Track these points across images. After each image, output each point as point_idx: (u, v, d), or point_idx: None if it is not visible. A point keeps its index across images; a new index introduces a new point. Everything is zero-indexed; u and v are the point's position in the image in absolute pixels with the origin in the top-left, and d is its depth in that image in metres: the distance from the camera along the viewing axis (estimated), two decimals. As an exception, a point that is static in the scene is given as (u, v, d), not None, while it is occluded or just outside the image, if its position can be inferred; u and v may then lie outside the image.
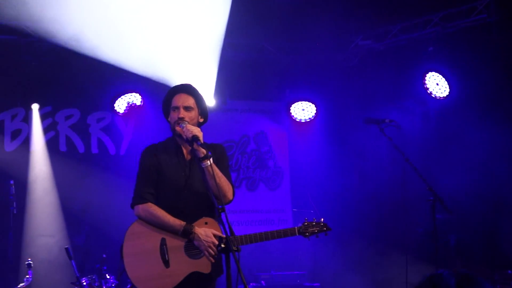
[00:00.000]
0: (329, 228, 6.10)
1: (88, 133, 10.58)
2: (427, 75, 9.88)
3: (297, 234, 6.05)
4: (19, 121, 10.30)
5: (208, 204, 5.82)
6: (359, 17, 10.36)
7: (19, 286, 8.34)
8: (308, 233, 6.05)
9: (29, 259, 8.31)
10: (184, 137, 5.66)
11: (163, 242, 5.85)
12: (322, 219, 6.14)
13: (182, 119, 5.75)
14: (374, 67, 10.97)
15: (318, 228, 6.05)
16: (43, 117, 10.39)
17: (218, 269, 5.89)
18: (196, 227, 5.79)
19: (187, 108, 5.84)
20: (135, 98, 10.38)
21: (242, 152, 11.49)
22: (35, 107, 10.23)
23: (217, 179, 5.68)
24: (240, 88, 11.00)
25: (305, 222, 6.12)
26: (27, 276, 8.33)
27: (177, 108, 5.86)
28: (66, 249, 8.28)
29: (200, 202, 5.91)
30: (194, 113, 5.89)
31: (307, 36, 11.03)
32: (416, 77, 10.13)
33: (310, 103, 11.23)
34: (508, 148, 9.42)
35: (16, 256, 8.56)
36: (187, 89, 6.04)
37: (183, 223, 5.78)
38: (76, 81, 10.31)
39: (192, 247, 5.80)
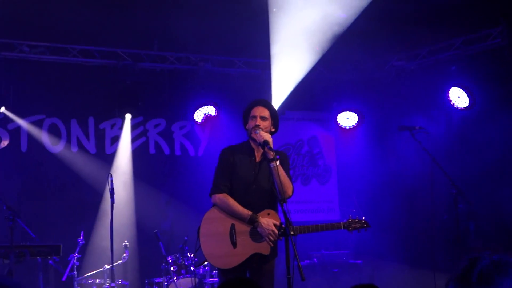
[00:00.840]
0: (369, 225, 6.75)
1: (172, 138, 11.25)
2: (450, 89, 10.18)
3: (342, 228, 6.75)
4: (117, 129, 10.89)
5: (270, 199, 6.61)
6: (394, 42, 10.78)
7: (118, 262, 9.05)
8: (351, 228, 6.71)
9: (126, 241, 9.26)
10: (258, 141, 6.35)
11: (232, 227, 6.51)
12: (364, 218, 6.76)
13: (258, 126, 6.41)
14: (406, 83, 11.34)
15: (359, 225, 6.71)
16: (136, 125, 11.03)
17: (275, 252, 6.56)
18: (260, 217, 6.41)
19: (263, 118, 6.50)
20: (210, 110, 10.94)
21: (297, 153, 12.00)
22: (128, 117, 10.70)
23: (282, 178, 6.30)
24: (296, 101, 11.27)
25: (349, 219, 6.73)
26: (124, 255, 9.18)
27: (255, 117, 6.52)
28: (155, 233, 9.20)
29: (264, 197, 6.60)
30: (268, 123, 6.55)
31: (351, 58, 11.44)
32: (441, 91, 10.39)
33: (353, 113, 11.73)
34: (503, 140, 9.64)
35: (115, 238, 8.65)
36: (265, 103, 6.76)
37: (250, 212, 6.43)
38: (162, 96, 11.10)
39: (256, 233, 6.43)
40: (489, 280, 2.09)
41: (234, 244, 6.48)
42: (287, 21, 10.04)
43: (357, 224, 6.68)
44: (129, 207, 10.30)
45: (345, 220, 6.73)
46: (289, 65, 10.90)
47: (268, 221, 6.38)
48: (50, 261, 8.58)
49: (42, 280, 8.68)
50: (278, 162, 6.32)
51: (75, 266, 8.97)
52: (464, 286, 2.15)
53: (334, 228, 6.78)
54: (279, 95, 11.07)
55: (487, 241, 9.53)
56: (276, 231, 6.35)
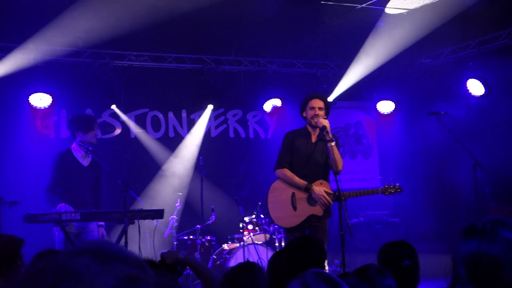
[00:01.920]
0: (401, 190, 7.22)
1: (247, 125, 11.76)
2: (468, 81, 10.63)
3: (380, 193, 7.27)
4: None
5: (323, 172, 7.15)
6: (421, 44, 10.97)
7: (207, 223, 9.41)
8: (387, 192, 7.21)
9: (212, 206, 9.56)
10: (319, 125, 6.91)
11: (293, 195, 7.05)
12: (398, 184, 7.22)
13: (317, 115, 6.96)
14: (432, 76, 11.79)
15: (394, 190, 7.20)
16: (219, 115, 11.58)
17: (328, 213, 7.09)
18: (314, 186, 6.95)
19: (320, 108, 7.04)
20: (277, 102, 11.52)
21: (346, 134, 12.39)
22: (210, 107, 11.20)
23: (336, 155, 6.89)
24: (344, 93, 11.71)
25: (386, 185, 7.23)
26: (211, 217, 9.47)
27: (314, 108, 7.03)
28: (235, 199, 9.47)
29: (318, 170, 7.14)
30: (323, 112, 7.07)
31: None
32: (461, 83, 10.82)
33: (390, 101, 12.31)
34: None
35: (204, 204, 9.31)
36: (320, 96, 7.30)
37: (305, 182, 6.96)
38: (239, 91, 11.52)
39: (311, 199, 6.97)
40: (492, 229, 2.31)
41: (294, 208, 7.05)
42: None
43: (392, 189, 7.19)
44: (214, 180, 10.49)
45: (382, 187, 7.28)
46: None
47: (320, 189, 6.91)
48: (155, 223, 8.98)
49: (149, 237, 9.02)
50: (334, 143, 6.87)
51: (174, 226, 9.60)
52: (472, 232, 2.36)
53: (373, 193, 7.42)
54: (335, 90, 11.63)
55: (500, 203, 9.75)
56: (327, 196, 6.86)
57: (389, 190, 7.21)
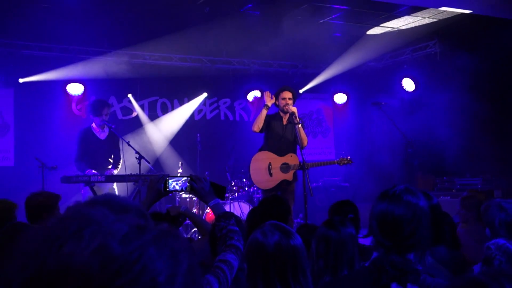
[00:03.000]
0: (351, 161, 7.33)
1: (234, 111, 11.75)
2: (403, 79, 10.77)
3: (335, 164, 7.37)
4: (201, 105, 11.31)
5: (292, 146, 7.16)
6: (368, 50, 10.92)
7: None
8: (341, 163, 7.32)
9: (207, 172, 9.22)
10: (289, 111, 6.96)
11: (269, 165, 7.12)
12: (349, 157, 7.34)
13: (287, 104, 7.07)
14: (376, 76, 11.84)
15: (346, 161, 7.30)
16: (212, 102, 11.50)
17: (295, 178, 7.17)
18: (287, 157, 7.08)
19: (290, 98, 7.11)
20: (258, 93, 11.39)
21: (309, 119, 12.36)
22: (204, 95, 11.07)
23: (302, 135, 6.93)
24: (308, 88, 11.82)
25: (340, 158, 7.35)
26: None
27: (285, 98, 7.10)
28: (224, 167, 9.25)
29: (289, 145, 7.16)
30: (291, 101, 7.14)
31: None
32: (397, 81, 10.93)
33: (344, 94, 12.28)
34: (443, 109, 9.63)
35: (200, 170, 9.10)
36: (290, 89, 7.31)
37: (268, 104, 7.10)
38: (229, 84, 11.46)
39: (284, 168, 7.06)
40: (399, 194, 2.33)
41: (270, 175, 7.11)
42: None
43: (344, 161, 7.30)
44: (208, 152, 10.14)
45: (337, 159, 7.39)
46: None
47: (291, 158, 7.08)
48: (162, 184, 8.96)
49: None
50: (301, 125, 6.94)
51: None
52: (383, 196, 2.38)
53: (330, 164, 7.50)
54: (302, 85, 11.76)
55: (424, 172, 9.90)
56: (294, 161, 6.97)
57: (343, 161, 7.27)
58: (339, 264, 2.87)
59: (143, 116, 10.82)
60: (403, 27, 10.16)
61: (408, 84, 10.80)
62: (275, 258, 2.23)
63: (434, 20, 9.56)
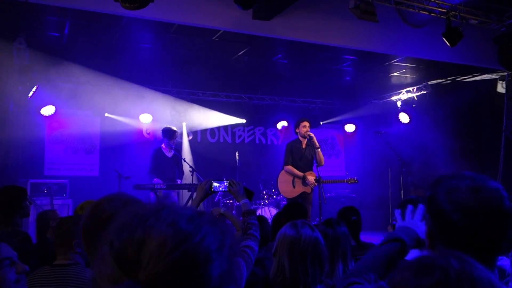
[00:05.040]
0: (357, 181, 7.07)
1: (267, 136, 11.59)
2: (399, 113, 10.53)
3: (345, 182, 7.07)
4: (241, 132, 11.22)
5: (310, 165, 7.02)
6: (373, 91, 11.04)
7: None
8: (349, 182, 7.02)
9: (244, 183, 9.61)
10: (308, 137, 6.85)
11: (293, 179, 7.01)
12: (356, 177, 7.10)
13: (307, 131, 6.96)
14: (378, 110, 11.46)
15: (353, 181, 7.02)
16: (250, 130, 11.35)
17: (312, 191, 6.94)
18: (306, 175, 6.91)
19: (308, 126, 7.02)
20: (285, 123, 11.21)
21: (325, 143, 12.16)
22: (243, 121, 10.96)
23: (321, 156, 6.83)
24: (325, 118, 11.78)
25: (349, 178, 7.08)
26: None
27: (305, 126, 6.99)
28: (257, 179, 9.22)
29: (308, 165, 7.03)
30: (309, 129, 7.00)
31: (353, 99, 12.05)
32: (395, 114, 10.71)
33: (353, 124, 12.04)
34: (431, 137, 9.23)
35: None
36: (308, 120, 7.12)
37: (302, 174, 6.91)
38: (262, 116, 11.15)
39: (304, 182, 6.91)
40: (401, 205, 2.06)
41: (293, 186, 6.99)
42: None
43: (352, 180, 7.01)
44: (245, 168, 9.94)
45: (346, 178, 7.10)
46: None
47: (311, 178, 6.85)
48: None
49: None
50: (319, 149, 6.84)
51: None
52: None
53: (341, 182, 7.18)
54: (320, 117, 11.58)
55: (416, 187, 9.40)
56: (314, 181, 6.79)
57: (351, 181, 7.06)
58: (335, 256, 2.89)
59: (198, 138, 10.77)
60: (398, 74, 10.06)
61: (404, 117, 10.59)
62: (300, 244, 2.26)
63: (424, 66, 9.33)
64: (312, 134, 6.86)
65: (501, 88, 7.93)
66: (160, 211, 0.83)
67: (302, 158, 7.06)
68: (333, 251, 2.90)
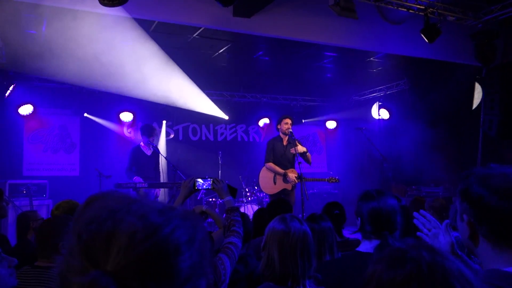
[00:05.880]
0: (338, 180, 7.08)
1: (249, 134, 11.48)
2: (380, 109, 10.62)
3: (326, 181, 7.09)
4: (223, 129, 11.12)
5: (292, 162, 6.97)
6: (353, 87, 11.31)
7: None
8: (330, 181, 7.01)
9: (227, 181, 9.62)
10: (288, 134, 6.88)
11: (274, 175, 7.04)
12: (337, 177, 7.09)
13: (289, 128, 6.96)
14: (359, 107, 11.35)
15: (334, 180, 7.03)
16: (231, 128, 11.24)
17: (294, 187, 6.96)
18: (287, 172, 6.96)
19: (291, 124, 7.02)
20: (267, 120, 11.34)
21: (307, 140, 12.14)
22: (225, 118, 11.08)
23: (309, 157, 6.95)
24: (307, 116, 11.94)
25: (330, 177, 7.08)
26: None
27: (287, 123, 6.99)
28: (240, 177, 9.00)
29: (289, 162, 7.03)
30: (290, 126, 6.99)
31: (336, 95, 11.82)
32: (375, 111, 10.76)
33: (334, 121, 12.13)
34: (411, 133, 9.26)
35: (221, 179, 9.75)
36: (290, 117, 7.12)
37: (283, 171, 6.95)
38: (244, 114, 11.10)
39: (285, 179, 6.95)
40: (378, 194, 2.33)
41: (274, 183, 7.03)
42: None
43: (333, 179, 7.05)
44: (228, 165, 9.75)
45: (328, 177, 7.11)
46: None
47: (292, 175, 6.92)
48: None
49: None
50: (307, 151, 6.92)
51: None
52: (368, 198, 2.34)
53: (323, 180, 7.22)
54: (302, 114, 11.52)
55: (397, 182, 9.48)
56: (295, 178, 6.85)
57: (331, 180, 7.06)
58: (323, 250, 2.91)
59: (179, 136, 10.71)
60: (378, 70, 10.14)
61: (384, 113, 10.69)
62: (290, 238, 2.25)
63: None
64: (302, 149, 6.81)
65: (478, 93, 7.87)
66: (130, 205, 0.83)
67: (283, 156, 7.05)
68: (320, 245, 2.91)
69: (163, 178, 8.03)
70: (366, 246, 2.37)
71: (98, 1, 4.54)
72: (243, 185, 8.96)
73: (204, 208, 3.86)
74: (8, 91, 8.14)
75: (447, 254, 0.93)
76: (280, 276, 2.22)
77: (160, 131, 10.12)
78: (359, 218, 2.39)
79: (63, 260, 0.82)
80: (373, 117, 10.89)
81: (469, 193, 1.43)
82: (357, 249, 2.41)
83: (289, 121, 7.02)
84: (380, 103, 10.81)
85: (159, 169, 7.98)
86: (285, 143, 7.08)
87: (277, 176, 6.99)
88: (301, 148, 6.74)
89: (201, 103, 10.40)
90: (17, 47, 7.44)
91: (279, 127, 7.07)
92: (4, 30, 6.83)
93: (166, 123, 10.36)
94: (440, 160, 8.74)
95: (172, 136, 10.52)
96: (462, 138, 9.16)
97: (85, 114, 9.41)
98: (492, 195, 1.36)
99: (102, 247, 0.77)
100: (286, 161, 7.01)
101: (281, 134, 7.11)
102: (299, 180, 6.51)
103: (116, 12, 5.03)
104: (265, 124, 11.38)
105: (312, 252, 2.32)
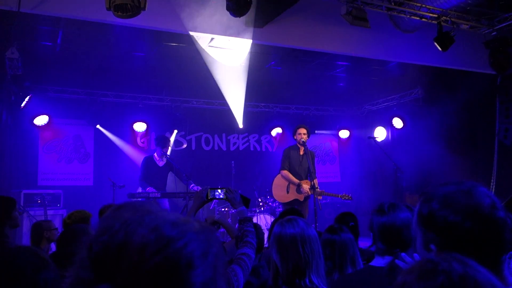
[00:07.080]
0: (351, 198, 6.93)
1: (261, 143, 11.48)
2: (393, 119, 10.46)
3: (339, 197, 6.95)
4: (235, 139, 11.14)
5: (307, 173, 6.90)
6: (365, 96, 11.23)
7: None
8: (343, 198, 6.91)
9: (239, 190, 9.86)
10: (302, 144, 6.80)
11: (288, 184, 7.00)
12: (350, 195, 6.93)
13: (302, 139, 6.87)
14: (372, 116, 11.50)
15: (347, 197, 6.91)
16: (244, 137, 11.19)
17: (307, 199, 6.89)
18: (302, 183, 6.89)
19: (305, 134, 6.90)
20: (279, 130, 11.18)
21: (320, 150, 12.08)
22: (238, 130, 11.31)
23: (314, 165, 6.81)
24: (319, 125, 11.71)
25: (343, 194, 6.96)
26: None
27: (301, 133, 6.90)
28: (253, 187, 9.06)
29: (304, 172, 6.97)
30: (306, 136, 6.91)
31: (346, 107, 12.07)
32: (388, 119, 10.59)
33: (347, 130, 11.97)
34: (425, 142, 9.17)
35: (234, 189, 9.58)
36: (305, 126, 7.02)
37: (298, 181, 6.90)
38: (258, 123, 11.05)
39: (298, 189, 6.91)
40: (389, 209, 2.23)
41: (287, 192, 6.99)
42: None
43: (345, 197, 6.92)
44: (241, 175, 9.74)
45: (341, 194, 6.98)
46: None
47: (305, 185, 6.83)
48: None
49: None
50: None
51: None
52: (379, 213, 2.26)
53: (336, 196, 7.07)
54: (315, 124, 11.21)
55: (412, 191, 9.38)
56: (308, 190, 6.72)
57: (344, 197, 6.97)
58: (344, 263, 2.82)
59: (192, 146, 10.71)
60: (391, 79, 10.09)
61: (397, 122, 10.56)
62: (286, 235, 2.25)
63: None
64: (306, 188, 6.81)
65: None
66: (144, 216, 0.82)
67: (300, 166, 7.03)
68: (341, 257, 2.84)
69: (169, 189, 8.03)
70: (379, 261, 2.31)
71: (111, 13, 4.55)
72: (256, 195, 8.92)
73: (216, 218, 3.86)
74: (24, 102, 8.26)
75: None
76: (287, 279, 2.17)
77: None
78: (371, 234, 2.34)
79: (72, 272, 0.80)
80: (386, 126, 10.87)
81: (434, 221, 1.31)
82: (370, 263, 2.36)
83: (302, 130, 6.97)
84: (394, 112, 10.70)
85: (165, 181, 7.96)
86: (301, 152, 7.04)
87: (291, 185, 6.96)
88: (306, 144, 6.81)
89: (214, 112, 10.55)
90: (33, 58, 7.54)
91: (294, 137, 7.05)
92: (20, 41, 6.91)
93: (177, 133, 10.38)
94: (455, 169, 8.68)
95: (185, 146, 10.54)
96: (477, 146, 9.08)
97: (98, 126, 9.49)
98: (465, 219, 1.26)
99: (112, 260, 0.75)
100: (302, 171, 6.98)
101: (297, 144, 7.08)
102: (312, 192, 6.43)
103: (129, 22, 5.05)
104: (277, 133, 11.33)
105: (316, 245, 2.25)
